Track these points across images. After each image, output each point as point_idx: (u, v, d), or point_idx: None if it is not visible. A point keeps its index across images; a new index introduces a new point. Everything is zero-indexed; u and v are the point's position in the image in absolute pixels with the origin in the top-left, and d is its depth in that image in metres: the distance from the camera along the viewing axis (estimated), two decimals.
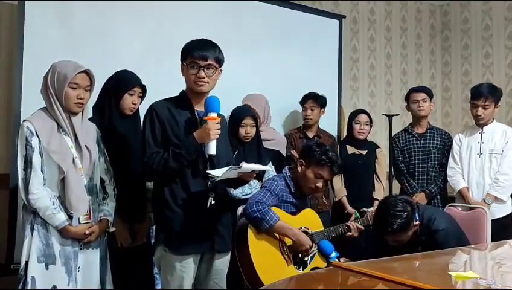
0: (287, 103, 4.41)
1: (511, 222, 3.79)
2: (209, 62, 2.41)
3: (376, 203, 3.81)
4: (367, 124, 4.17)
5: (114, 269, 2.64)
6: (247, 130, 3.38)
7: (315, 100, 4.13)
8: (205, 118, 2.39)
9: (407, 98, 4.16)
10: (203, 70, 2.41)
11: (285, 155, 3.86)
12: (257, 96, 3.77)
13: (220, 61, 2.47)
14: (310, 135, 4.15)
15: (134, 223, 2.88)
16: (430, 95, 4.11)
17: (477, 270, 2.04)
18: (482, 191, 3.73)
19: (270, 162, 3.51)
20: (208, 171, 2.34)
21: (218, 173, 2.32)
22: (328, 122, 4.43)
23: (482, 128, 3.82)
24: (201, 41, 2.47)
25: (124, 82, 2.86)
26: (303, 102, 4.17)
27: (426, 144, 4.05)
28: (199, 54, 2.40)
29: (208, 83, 2.43)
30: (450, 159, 3.93)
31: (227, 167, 2.35)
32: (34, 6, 3.32)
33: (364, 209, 3.44)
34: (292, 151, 3.95)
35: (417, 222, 2.83)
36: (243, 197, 3.16)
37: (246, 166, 2.37)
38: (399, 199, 2.85)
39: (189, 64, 2.42)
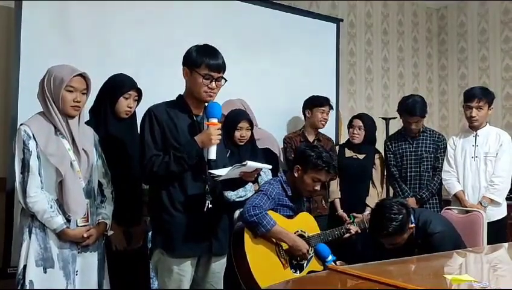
0: (284, 106, 4.42)
1: (507, 224, 3.81)
2: (221, 74, 2.43)
3: (368, 209, 3.80)
4: (360, 128, 4.11)
5: (109, 272, 2.63)
6: (242, 133, 3.39)
7: (331, 106, 4.18)
8: (207, 124, 2.40)
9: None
10: (215, 81, 2.42)
11: (278, 153, 3.84)
12: (236, 101, 3.70)
13: (225, 71, 2.47)
14: (310, 138, 4.13)
15: (129, 227, 2.88)
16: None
17: (472, 274, 2.04)
18: (477, 194, 3.72)
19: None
20: (210, 171, 2.34)
21: (221, 172, 2.32)
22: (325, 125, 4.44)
23: (476, 132, 3.81)
24: (213, 50, 2.45)
25: (119, 85, 2.86)
26: (321, 104, 4.11)
27: (419, 147, 3.98)
28: (214, 66, 2.39)
29: (215, 93, 2.45)
30: (445, 163, 3.91)
31: (232, 166, 2.35)
32: (31, 8, 3.32)
33: (354, 214, 3.44)
34: (293, 155, 3.94)
35: (412, 225, 2.85)
36: (237, 199, 3.17)
37: (251, 164, 2.36)
38: (394, 202, 2.86)
39: (201, 74, 2.39)
